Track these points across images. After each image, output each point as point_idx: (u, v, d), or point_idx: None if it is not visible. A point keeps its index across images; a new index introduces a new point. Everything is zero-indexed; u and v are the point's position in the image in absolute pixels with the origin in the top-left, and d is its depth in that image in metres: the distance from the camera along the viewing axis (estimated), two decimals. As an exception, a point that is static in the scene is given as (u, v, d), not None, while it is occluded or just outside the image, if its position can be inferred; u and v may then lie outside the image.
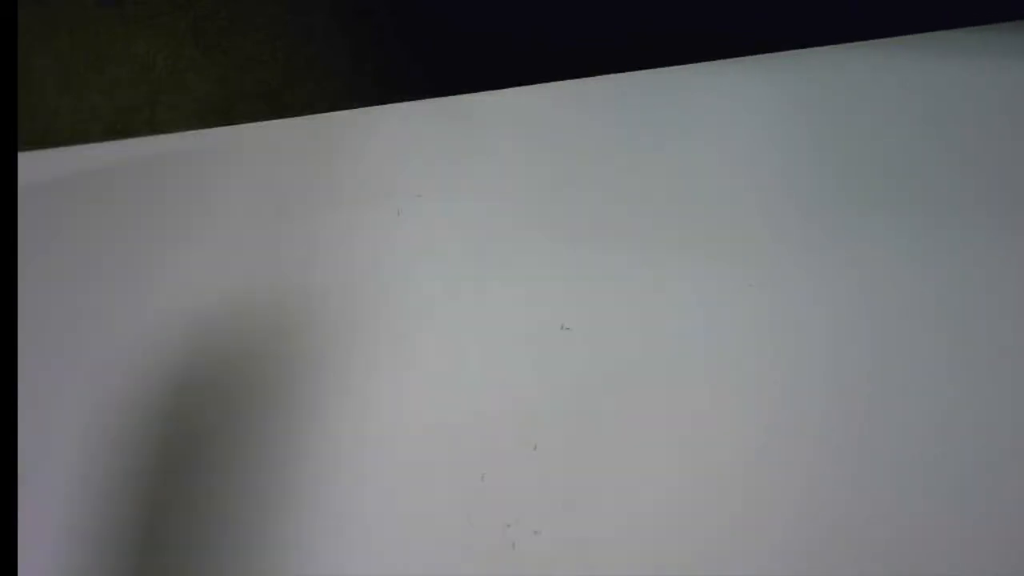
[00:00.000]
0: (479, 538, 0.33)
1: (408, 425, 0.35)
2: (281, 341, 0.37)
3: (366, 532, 0.33)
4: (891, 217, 0.36)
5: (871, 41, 0.39)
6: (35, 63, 0.43)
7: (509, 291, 0.37)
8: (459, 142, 0.39)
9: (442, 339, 0.36)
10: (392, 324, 0.37)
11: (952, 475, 0.32)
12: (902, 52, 0.38)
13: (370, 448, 0.35)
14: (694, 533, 0.32)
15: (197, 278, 0.39)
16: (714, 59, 0.40)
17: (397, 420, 0.35)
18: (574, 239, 0.37)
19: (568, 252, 0.37)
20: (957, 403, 0.33)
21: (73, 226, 0.40)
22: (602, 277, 0.37)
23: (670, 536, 0.32)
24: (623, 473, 0.33)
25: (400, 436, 0.35)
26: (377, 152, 0.40)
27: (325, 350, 0.37)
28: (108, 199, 0.40)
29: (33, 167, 0.41)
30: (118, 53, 0.43)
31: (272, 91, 0.42)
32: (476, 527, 0.33)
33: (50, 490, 0.35)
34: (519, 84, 0.40)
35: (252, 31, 0.43)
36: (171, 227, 0.40)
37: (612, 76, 0.40)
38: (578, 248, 0.37)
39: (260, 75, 0.42)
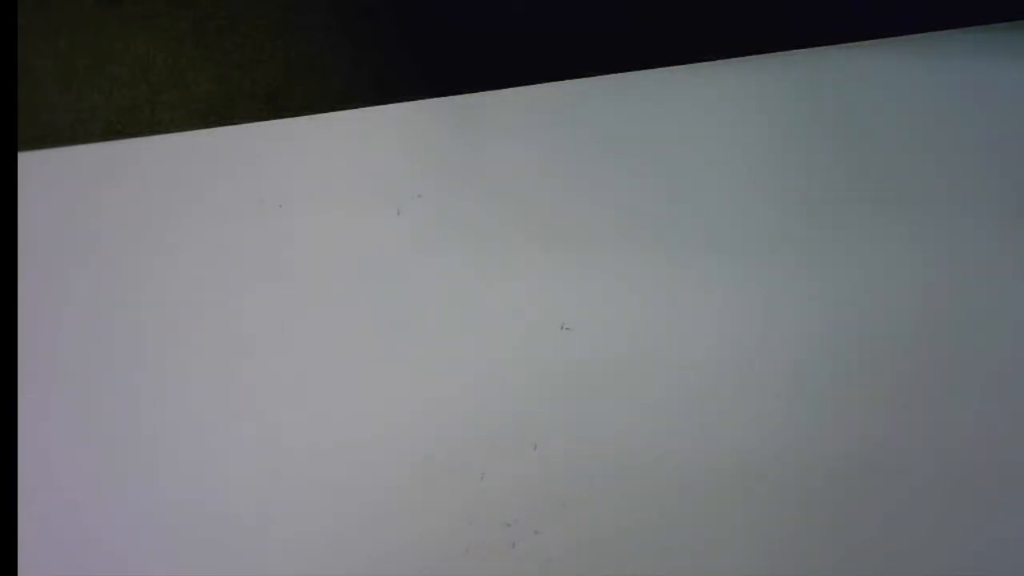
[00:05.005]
0: (479, 538, 0.33)
1: (408, 425, 0.35)
2: (280, 340, 0.37)
3: (366, 531, 0.33)
4: (890, 217, 0.36)
5: (871, 41, 0.39)
6: (35, 63, 0.43)
7: (509, 291, 0.37)
8: (459, 142, 0.39)
9: (442, 339, 0.36)
10: (392, 324, 0.37)
11: (950, 474, 0.32)
12: (902, 52, 0.38)
13: (369, 447, 0.35)
14: (693, 533, 0.32)
15: (197, 278, 0.39)
16: (714, 59, 0.40)
17: (397, 420, 0.35)
18: (574, 239, 0.37)
19: (568, 252, 0.37)
20: (957, 403, 0.33)
21: (73, 226, 0.40)
22: (602, 277, 0.37)
23: (670, 536, 0.32)
24: (623, 473, 0.33)
25: (400, 436, 0.35)
26: (377, 152, 0.40)
27: (325, 349, 0.37)
28: (108, 199, 0.40)
29: (33, 167, 0.41)
30: (118, 53, 0.43)
31: (272, 91, 0.42)
32: (476, 527, 0.33)
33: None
34: (519, 84, 0.40)
35: (252, 31, 0.43)
36: (171, 227, 0.40)
37: (612, 76, 0.40)
38: (578, 248, 0.37)
39: (260, 75, 0.42)
